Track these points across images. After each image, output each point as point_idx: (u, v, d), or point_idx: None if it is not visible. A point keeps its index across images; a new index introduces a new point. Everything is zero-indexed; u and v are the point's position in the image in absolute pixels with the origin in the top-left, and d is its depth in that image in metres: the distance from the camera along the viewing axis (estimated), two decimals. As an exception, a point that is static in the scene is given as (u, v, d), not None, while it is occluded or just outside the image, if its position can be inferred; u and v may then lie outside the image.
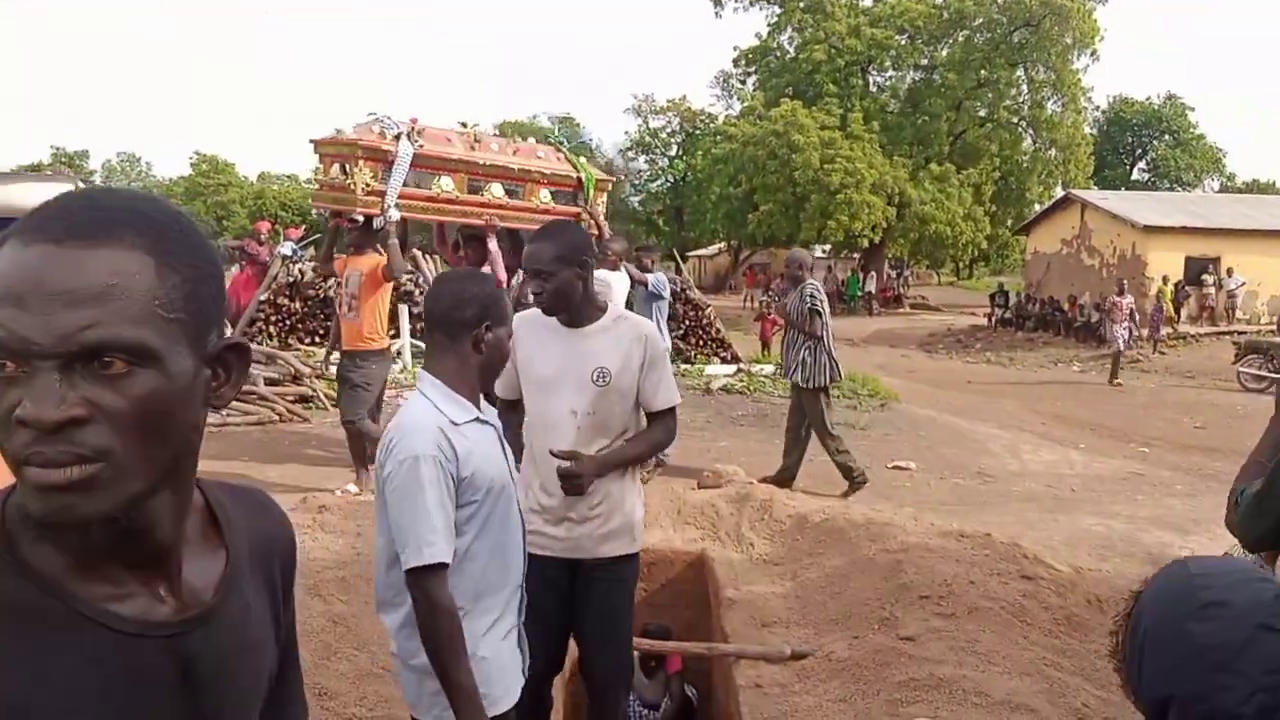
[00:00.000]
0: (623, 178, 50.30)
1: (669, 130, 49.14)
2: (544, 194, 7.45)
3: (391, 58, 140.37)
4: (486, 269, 6.73)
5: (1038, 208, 35.21)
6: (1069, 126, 34.71)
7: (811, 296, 7.17)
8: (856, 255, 38.19)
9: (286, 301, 12.90)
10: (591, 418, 2.79)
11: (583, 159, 8.29)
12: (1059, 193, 34.29)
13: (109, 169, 68.03)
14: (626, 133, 51.07)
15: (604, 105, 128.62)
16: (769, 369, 13.52)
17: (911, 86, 37.26)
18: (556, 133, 42.30)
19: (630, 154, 50.32)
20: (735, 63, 41.57)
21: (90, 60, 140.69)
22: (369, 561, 4.26)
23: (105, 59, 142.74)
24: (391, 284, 6.65)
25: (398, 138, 6.55)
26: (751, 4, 38.86)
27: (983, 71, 34.11)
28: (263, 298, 12.25)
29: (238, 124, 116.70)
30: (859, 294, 34.50)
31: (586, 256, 2.80)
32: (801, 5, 36.74)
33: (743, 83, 42.48)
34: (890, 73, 37.99)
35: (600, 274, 6.84)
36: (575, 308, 2.81)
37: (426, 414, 2.12)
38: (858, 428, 9.96)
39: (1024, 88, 35.60)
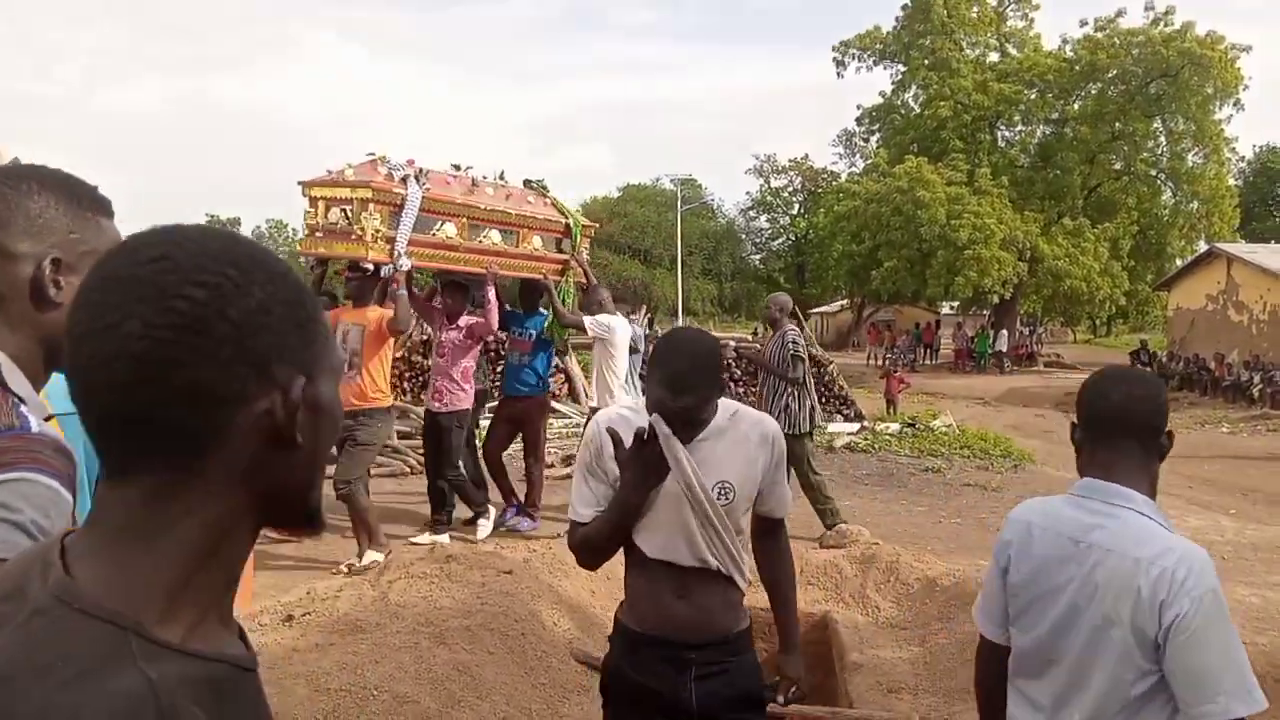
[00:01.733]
0: (744, 237, 50.57)
1: (790, 189, 49.26)
2: (536, 240, 7.07)
3: (509, 120, 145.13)
4: (468, 319, 6.63)
5: (1179, 263, 33.71)
6: (1211, 178, 33.21)
7: (794, 343, 7.19)
8: (986, 312, 37.21)
9: (420, 359, 13.40)
10: None
11: (569, 204, 7.79)
12: (1202, 247, 32.78)
13: (258, 234, 72.44)
14: (748, 192, 51.49)
15: (726, 167, 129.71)
16: (894, 427, 13.24)
17: (1042, 140, 36.37)
18: (679, 191, 42.88)
19: (752, 213, 50.62)
20: (858, 120, 41.48)
21: (244, 137, 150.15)
22: (494, 612, 4.33)
23: (256, 137, 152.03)
24: (395, 338, 6.31)
25: (405, 180, 6.11)
26: (875, 63, 38.84)
27: (1117, 124, 33.05)
28: (397, 355, 12.71)
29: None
30: (989, 351, 33.52)
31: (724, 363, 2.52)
32: (926, 63, 36.47)
33: (866, 140, 42.30)
34: (1019, 127, 37.21)
35: (605, 318, 6.97)
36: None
37: (1182, 541, 1.86)
38: (990, 489, 9.63)
39: (1162, 139, 34.29)
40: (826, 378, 14.43)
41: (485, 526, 6.96)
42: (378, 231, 5.91)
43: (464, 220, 6.55)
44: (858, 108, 41.00)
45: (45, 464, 1.16)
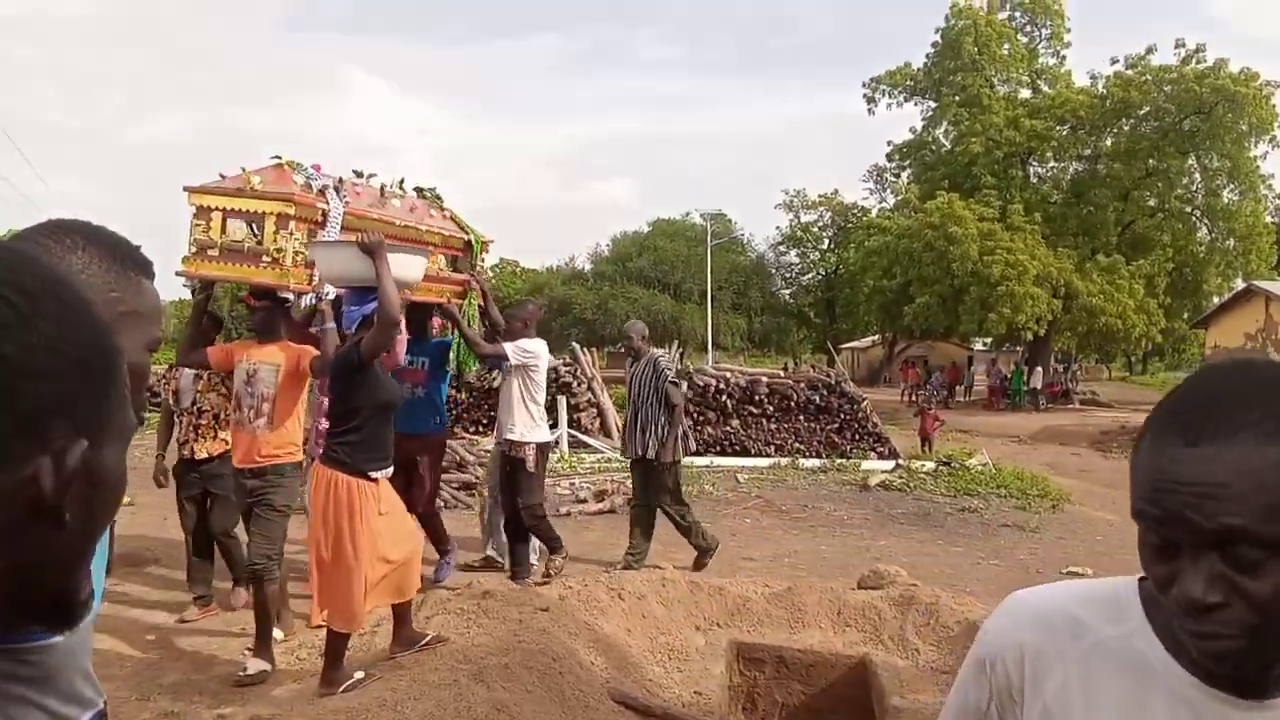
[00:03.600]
0: (773, 272, 50.56)
1: (820, 224, 49.26)
2: (441, 260, 6.20)
3: (533, 155, 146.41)
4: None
5: (1216, 300, 33.31)
6: (1248, 215, 32.86)
7: (666, 369, 7.07)
8: (1020, 349, 36.91)
9: (453, 392, 13.45)
10: None
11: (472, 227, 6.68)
12: (1239, 284, 32.38)
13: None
14: (778, 227, 51.56)
15: (755, 201, 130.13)
16: (930, 465, 13.12)
17: (1075, 177, 36.22)
18: (709, 226, 43.00)
19: (781, 248, 50.62)
20: (889, 157, 41.52)
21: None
22: (531, 650, 4.31)
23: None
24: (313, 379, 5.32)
25: (323, 191, 5.14)
26: (905, 99, 38.95)
27: (1151, 160, 32.85)
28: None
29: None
30: (1024, 389, 33.20)
31: None
32: (957, 99, 36.51)
33: (897, 176, 42.32)
34: (1052, 163, 37.09)
35: (527, 344, 6.41)
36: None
37: None
38: (1028, 530, 9.49)
39: (1197, 176, 34.05)
40: (860, 414, 14.35)
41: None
42: (298, 254, 4.91)
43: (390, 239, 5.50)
44: (888, 144, 41.09)
45: None
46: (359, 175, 5.71)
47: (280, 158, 5.23)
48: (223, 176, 5.11)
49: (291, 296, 5.20)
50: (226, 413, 5.53)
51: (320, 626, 4.88)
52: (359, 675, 4.29)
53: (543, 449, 6.61)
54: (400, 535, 4.56)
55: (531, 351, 6.44)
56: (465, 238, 6.36)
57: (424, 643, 4.44)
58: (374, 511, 4.38)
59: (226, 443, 5.56)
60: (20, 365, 0.60)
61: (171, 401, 5.92)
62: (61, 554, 0.67)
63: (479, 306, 6.42)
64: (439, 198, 6.44)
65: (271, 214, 4.90)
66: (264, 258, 4.87)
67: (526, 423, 6.44)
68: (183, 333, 5.54)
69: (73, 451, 0.63)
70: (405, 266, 4.86)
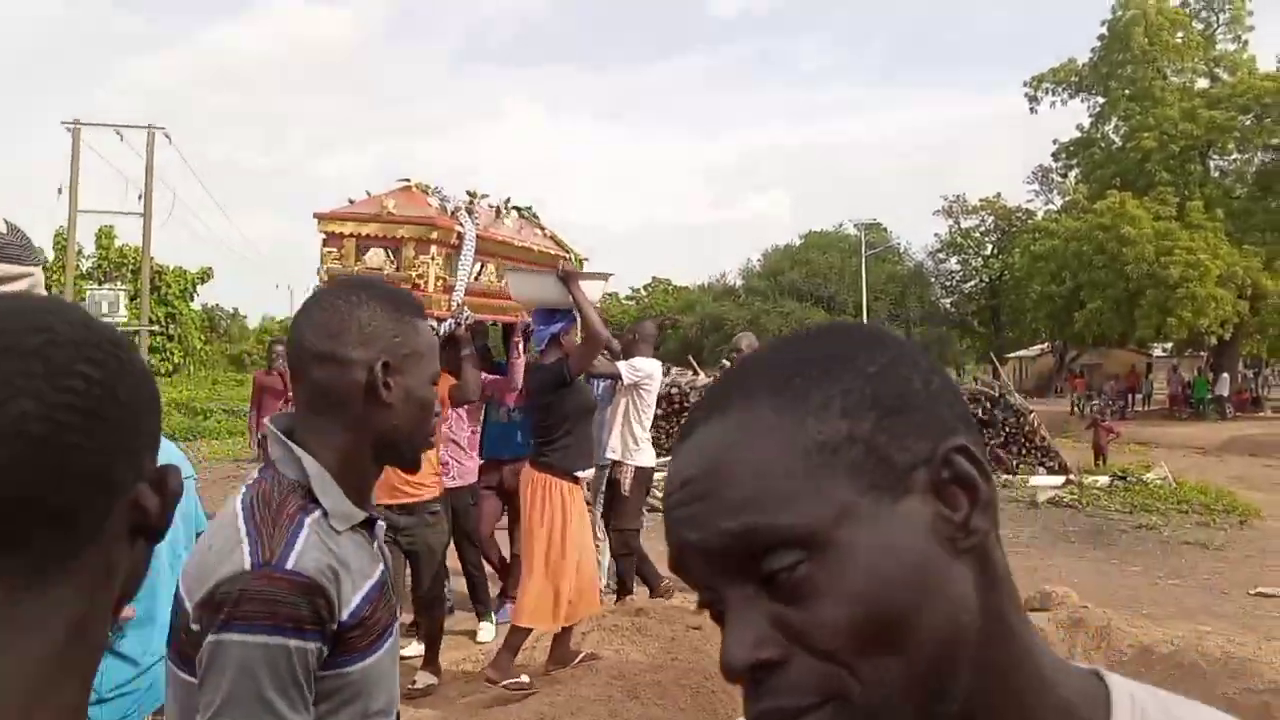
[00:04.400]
0: (933, 280, 49.19)
1: (982, 229, 47.65)
2: None
3: (686, 171, 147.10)
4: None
5: None
6: None
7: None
8: (1203, 354, 34.63)
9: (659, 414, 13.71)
10: None
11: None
12: None
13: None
14: (936, 234, 50.02)
15: (911, 209, 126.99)
16: (1104, 480, 12.50)
17: (1260, 169, 33.73)
18: (860, 235, 42.26)
19: (940, 255, 49.18)
20: (1054, 156, 39.78)
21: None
22: (684, 668, 4.37)
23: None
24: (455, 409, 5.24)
25: (455, 213, 4.98)
26: (1071, 96, 37.28)
27: (1350, 147, 30.36)
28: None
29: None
30: (1208, 397, 31.12)
31: None
32: (1127, 93, 34.69)
33: (1063, 176, 40.52)
34: (1234, 156, 34.68)
35: (640, 362, 5.99)
36: None
37: None
38: (1211, 548, 8.93)
39: (1404, 162, 31.22)
40: (1027, 427, 13.80)
41: (488, 629, 5.69)
42: (439, 278, 4.79)
43: (497, 261, 5.46)
44: (1054, 143, 39.35)
45: (275, 619, 1.21)
46: (472, 196, 5.54)
47: (409, 180, 5.11)
48: (351, 201, 5.02)
49: (434, 324, 4.53)
50: None
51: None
52: (524, 679, 4.49)
53: (642, 473, 6.16)
54: (590, 549, 4.79)
55: (645, 371, 6.07)
56: (567, 256, 6.15)
57: (579, 659, 4.57)
58: (582, 512, 4.75)
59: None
60: (131, 407, 0.69)
61: None
62: (142, 573, 0.76)
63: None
64: (536, 216, 6.35)
65: (410, 238, 4.79)
66: (403, 285, 4.48)
67: (628, 444, 6.04)
68: None
69: (172, 478, 0.72)
70: (591, 290, 5.04)
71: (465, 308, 4.89)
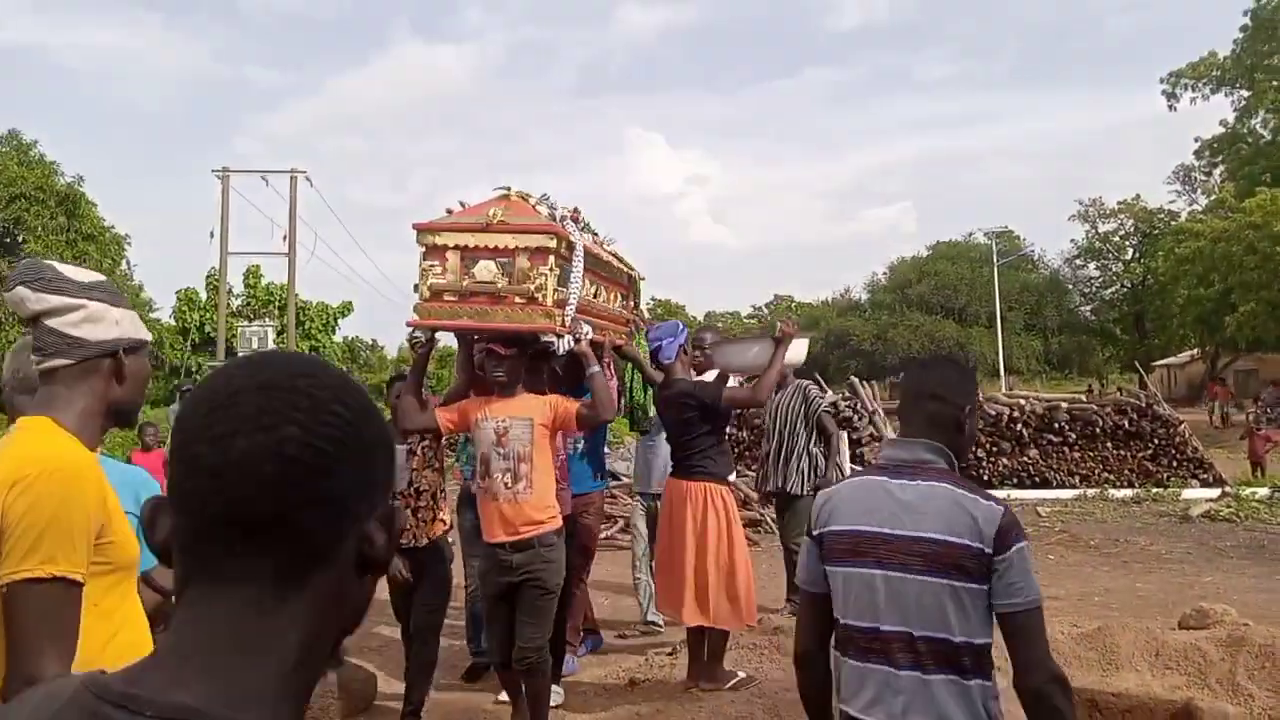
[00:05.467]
0: (1070, 288, 47.40)
1: (1121, 233, 45.74)
2: (616, 298, 5.41)
3: (809, 188, 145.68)
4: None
5: None
6: None
7: (817, 398, 6.64)
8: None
9: (734, 430, 13.74)
10: None
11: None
12: None
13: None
14: (1072, 240, 48.19)
15: (1044, 215, 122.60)
16: (1263, 492, 11.82)
17: None
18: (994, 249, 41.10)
19: (1078, 261, 47.38)
20: (1197, 154, 38.02)
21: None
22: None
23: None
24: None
25: (563, 221, 4.52)
26: (1212, 91, 35.54)
27: None
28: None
29: (687, 270, 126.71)
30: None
31: None
32: (1275, 84, 32.85)
33: (1207, 174, 38.65)
34: (1401, 143, 32.45)
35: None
36: None
37: None
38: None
39: None
40: (1177, 438, 13.19)
41: (558, 693, 4.86)
42: (556, 291, 4.32)
43: (593, 275, 4.90)
44: (1195, 140, 37.62)
45: None
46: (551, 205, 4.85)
47: (507, 188, 4.61)
48: (450, 212, 4.51)
49: (555, 340, 4.28)
50: (442, 489, 4.89)
51: None
52: (741, 675, 4.69)
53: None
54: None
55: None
56: (629, 273, 5.63)
57: (733, 683, 4.61)
58: (738, 515, 4.96)
59: (445, 523, 4.88)
60: (373, 446, 0.80)
61: None
62: (365, 604, 0.83)
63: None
64: (594, 231, 5.71)
65: (525, 249, 4.26)
66: (517, 299, 4.22)
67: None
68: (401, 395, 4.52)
69: (399, 517, 0.81)
70: (796, 352, 5.04)
71: (583, 322, 4.43)
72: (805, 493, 6.41)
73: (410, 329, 4.36)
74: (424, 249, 4.33)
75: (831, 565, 2.11)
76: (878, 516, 2.04)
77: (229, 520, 0.74)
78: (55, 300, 1.72)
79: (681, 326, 5.26)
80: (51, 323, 1.72)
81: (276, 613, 0.75)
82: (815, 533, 2.16)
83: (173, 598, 0.81)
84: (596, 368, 4.32)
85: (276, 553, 0.75)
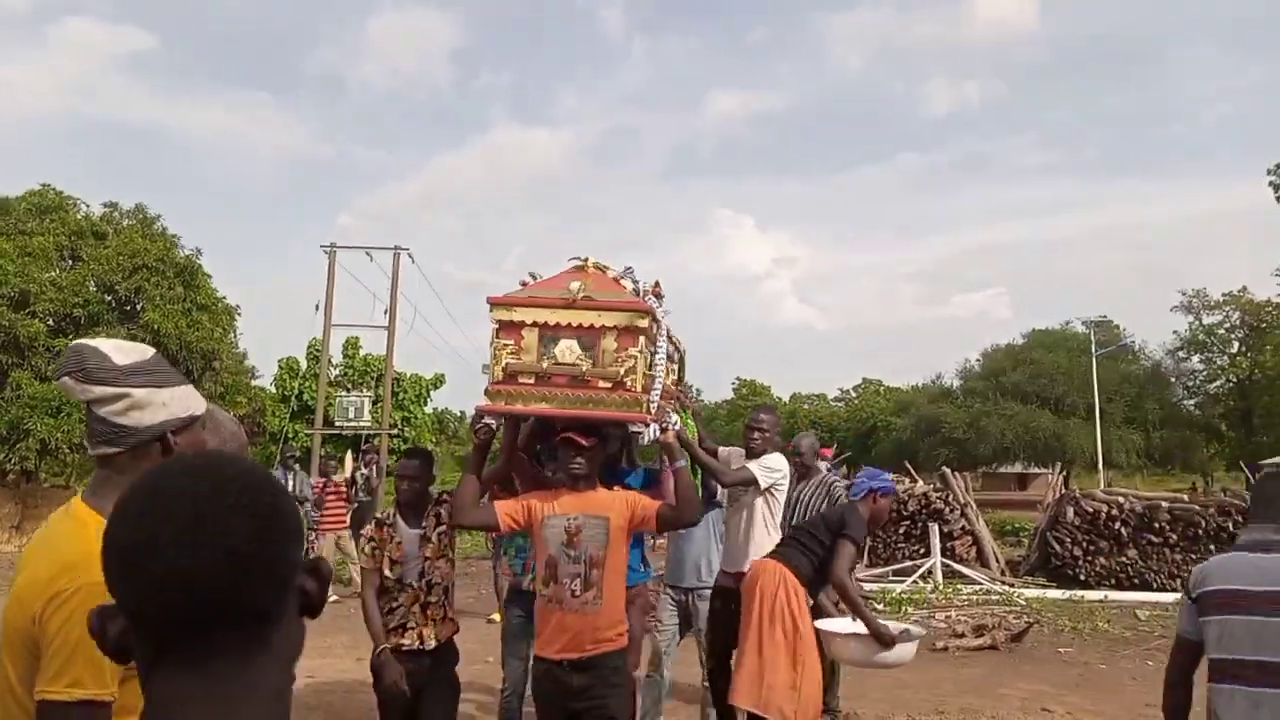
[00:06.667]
0: (1173, 380, 45.85)
1: (1227, 325, 44.22)
2: (671, 374, 4.71)
3: (895, 272, 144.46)
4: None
5: None
6: None
7: (842, 495, 5.77)
8: None
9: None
10: None
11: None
12: None
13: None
14: (1175, 332, 46.68)
15: (1145, 306, 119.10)
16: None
17: None
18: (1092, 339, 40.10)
19: (1181, 354, 45.85)
20: (1308, 246, 36.69)
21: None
22: None
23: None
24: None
25: (644, 295, 4.09)
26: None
27: None
28: (800, 514, 12.97)
29: (773, 351, 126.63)
30: None
31: None
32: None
33: (1318, 267, 37.21)
34: None
35: (770, 460, 5.35)
36: None
37: None
38: None
39: None
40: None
41: None
42: (648, 375, 3.87)
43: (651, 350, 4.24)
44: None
45: None
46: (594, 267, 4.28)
47: (583, 259, 4.09)
48: (524, 284, 4.04)
49: (644, 429, 3.83)
50: (453, 583, 4.41)
51: None
52: None
53: None
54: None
55: (778, 469, 5.38)
56: (678, 345, 4.88)
57: None
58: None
59: (455, 623, 4.35)
60: (292, 519, 0.96)
61: (389, 573, 4.19)
62: (302, 644, 1.02)
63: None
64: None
65: (612, 328, 3.80)
66: (602, 382, 3.78)
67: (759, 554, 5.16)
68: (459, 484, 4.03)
69: (323, 567, 0.98)
70: (901, 655, 4.66)
71: (669, 410, 4.02)
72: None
73: (477, 415, 3.92)
74: (497, 326, 3.91)
75: (1207, 616, 2.87)
76: (1244, 579, 2.81)
77: (196, 620, 0.88)
78: (98, 391, 1.74)
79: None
80: (100, 411, 1.74)
81: (246, 671, 0.91)
82: (1194, 594, 2.92)
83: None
84: (684, 461, 3.86)
85: (242, 629, 0.91)
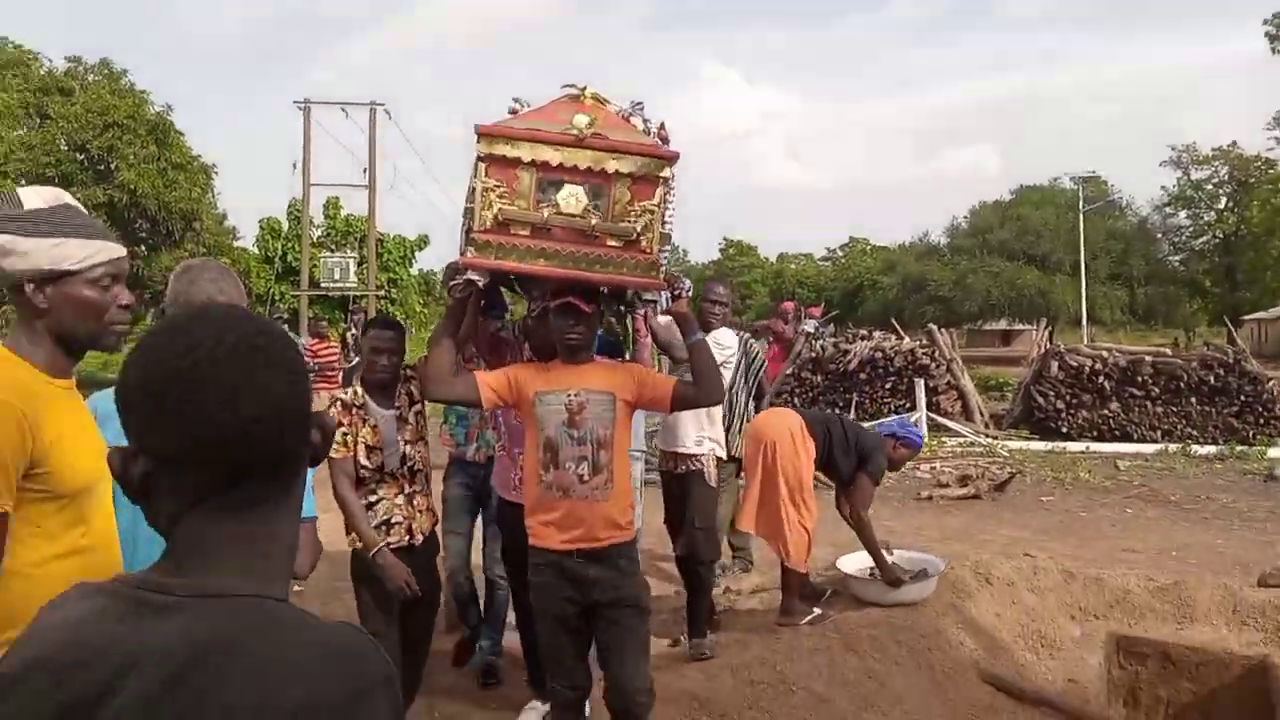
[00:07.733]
0: (1159, 237, 45.88)
1: (1215, 180, 43.99)
2: None
3: (887, 126, 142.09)
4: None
5: None
6: None
7: (759, 355, 5.73)
8: None
9: (810, 375, 13.76)
10: None
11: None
12: None
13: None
14: (1163, 187, 46.49)
15: (1134, 161, 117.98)
16: (1355, 453, 11.51)
17: None
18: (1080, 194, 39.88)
19: (1168, 209, 45.73)
20: (1303, 99, 36.17)
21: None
22: (899, 625, 4.48)
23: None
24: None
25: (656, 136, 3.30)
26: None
27: None
28: (789, 372, 13.15)
29: (759, 209, 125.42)
30: None
31: None
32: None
33: (1311, 121, 36.80)
34: None
35: (722, 336, 5.08)
36: None
37: None
38: None
39: None
40: (1265, 396, 12.86)
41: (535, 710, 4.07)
42: (663, 235, 3.21)
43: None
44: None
45: None
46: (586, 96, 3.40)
47: (578, 87, 3.29)
48: (513, 113, 3.22)
49: (658, 298, 3.25)
50: (430, 469, 3.78)
51: None
52: (817, 611, 4.78)
53: (721, 461, 5.01)
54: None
55: (728, 346, 5.17)
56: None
57: (809, 619, 4.75)
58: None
59: (434, 513, 3.80)
60: (306, 369, 1.01)
61: (366, 462, 3.57)
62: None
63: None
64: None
65: (627, 175, 3.12)
66: (612, 240, 3.14)
67: (704, 429, 4.80)
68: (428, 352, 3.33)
69: (326, 419, 1.03)
70: (921, 591, 4.93)
71: (682, 275, 3.37)
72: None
73: (452, 268, 3.22)
74: (484, 162, 3.11)
75: None
76: None
77: (240, 469, 0.93)
78: None
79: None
80: None
81: (277, 515, 0.97)
82: None
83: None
84: (700, 335, 3.33)
85: (279, 478, 0.96)
